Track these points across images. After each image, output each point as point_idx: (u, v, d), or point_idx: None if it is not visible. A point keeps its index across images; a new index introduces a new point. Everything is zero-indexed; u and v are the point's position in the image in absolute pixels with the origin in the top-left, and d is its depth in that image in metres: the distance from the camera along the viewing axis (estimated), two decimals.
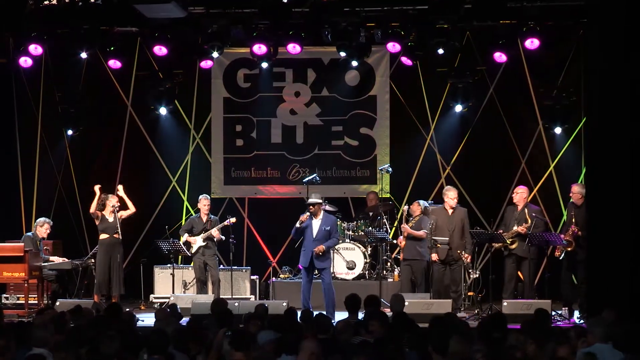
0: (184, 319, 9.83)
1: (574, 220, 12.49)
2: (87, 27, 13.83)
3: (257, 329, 7.63)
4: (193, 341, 7.18)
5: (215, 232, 13.63)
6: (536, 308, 9.57)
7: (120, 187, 13.72)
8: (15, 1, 13.57)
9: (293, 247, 14.23)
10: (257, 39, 13.96)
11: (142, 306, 13.78)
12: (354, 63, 14.62)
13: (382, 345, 6.58)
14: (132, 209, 13.63)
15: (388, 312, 10.09)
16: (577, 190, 12.74)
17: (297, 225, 12.46)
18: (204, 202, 13.90)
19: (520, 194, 13.13)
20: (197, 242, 13.66)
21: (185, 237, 13.72)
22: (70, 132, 15.16)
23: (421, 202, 13.57)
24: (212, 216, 13.90)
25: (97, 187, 13.62)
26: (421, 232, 13.20)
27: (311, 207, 12.46)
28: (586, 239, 11.49)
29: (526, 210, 12.90)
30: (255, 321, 7.94)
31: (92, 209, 13.50)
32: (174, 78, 14.99)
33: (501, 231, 13.00)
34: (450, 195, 13.18)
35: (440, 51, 13.73)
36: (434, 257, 13.00)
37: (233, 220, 13.81)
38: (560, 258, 12.66)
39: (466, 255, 12.93)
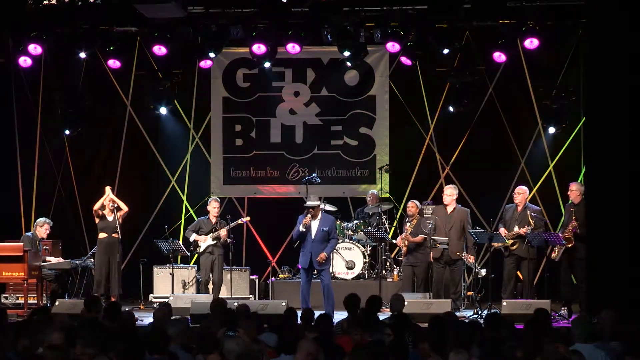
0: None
1: (574, 217, 12.48)
2: (86, 26, 13.85)
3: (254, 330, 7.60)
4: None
5: (223, 232, 13.54)
6: (536, 308, 9.56)
7: (107, 189, 13.68)
8: (15, 1, 13.58)
9: (292, 247, 14.22)
10: (256, 38, 13.95)
11: (142, 306, 13.77)
12: (348, 63, 14.63)
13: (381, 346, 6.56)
14: (124, 208, 13.58)
15: (387, 312, 10.11)
16: (575, 188, 12.77)
17: (302, 229, 12.34)
18: (214, 204, 13.77)
19: (522, 195, 13.10)
20: (207, 240, 13.58)
21: (193, 237, 13.65)
22: (69, 132, 15.14)
23: (416, 202, 13.56)
24: (222, 220, 13.77)
25: (108, 188, 13.66)
26: (418, 238, 13.21)
27: (310, 209, 12.42)
28: (586, 236, 11.50)
29: (529, 212, 12.86)
30: (252, 322, 7.90)
31: (96, 206, 13.49)
32: (173, 78, 14.98)
33: (502, 228, 12.97)
34: (446, 192, 13.18)
35: (446, 51, 13.72)
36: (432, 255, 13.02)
37: (247, 219, 13.77)
38: (557, 260, 12.65)
39: (468, 255, 12.88)
